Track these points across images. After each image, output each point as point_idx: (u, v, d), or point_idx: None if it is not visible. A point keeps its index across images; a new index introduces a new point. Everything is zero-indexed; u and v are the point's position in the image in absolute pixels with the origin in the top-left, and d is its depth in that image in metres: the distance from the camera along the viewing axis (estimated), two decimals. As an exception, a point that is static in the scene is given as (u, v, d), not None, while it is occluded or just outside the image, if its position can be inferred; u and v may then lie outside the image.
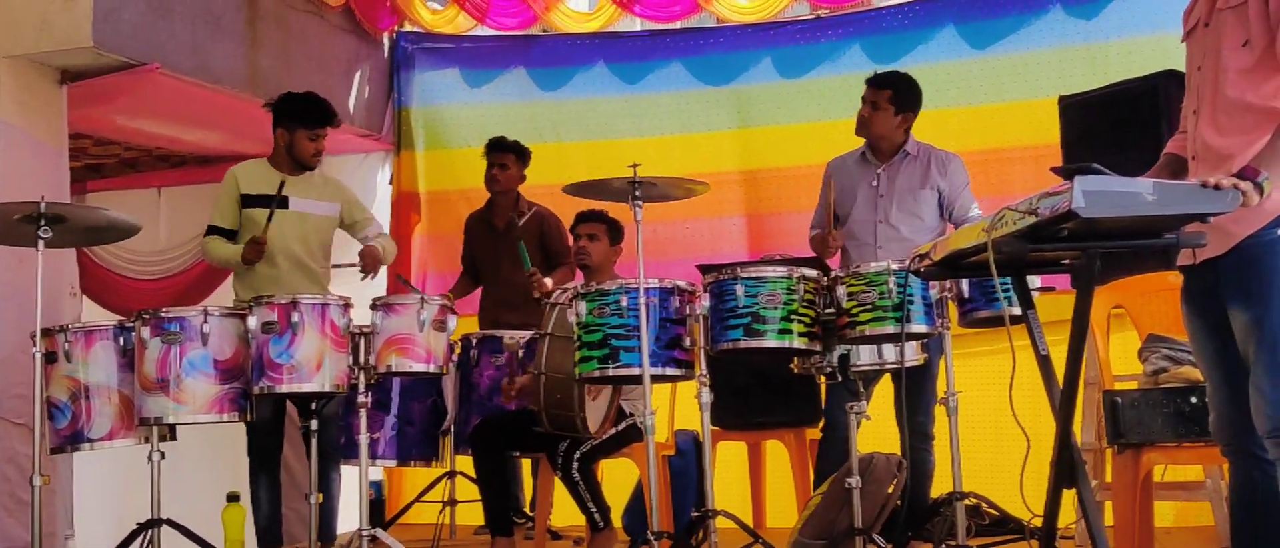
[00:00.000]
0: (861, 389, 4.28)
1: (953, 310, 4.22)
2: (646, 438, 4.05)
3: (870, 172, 4.91)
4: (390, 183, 7.31)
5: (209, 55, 5.85)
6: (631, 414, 4.93)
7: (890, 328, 3.90)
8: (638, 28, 7.26)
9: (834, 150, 6.28)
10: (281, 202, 4.88)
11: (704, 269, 5.94)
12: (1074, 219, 2.53)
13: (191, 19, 5.74)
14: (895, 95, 4.90)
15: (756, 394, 5.48)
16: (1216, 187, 2.54)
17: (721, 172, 6.73)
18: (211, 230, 5.04)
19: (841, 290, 4.00)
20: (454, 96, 7.23)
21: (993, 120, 6.18)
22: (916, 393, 4.46)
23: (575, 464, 4.70)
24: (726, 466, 5.85)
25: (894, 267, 3.93)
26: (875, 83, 4.94)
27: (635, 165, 4.10)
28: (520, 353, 5.20)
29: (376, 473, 6.67)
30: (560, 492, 4.85)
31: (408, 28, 7.35)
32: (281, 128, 5.04)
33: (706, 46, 6.87)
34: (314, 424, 4.38)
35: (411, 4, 7.23)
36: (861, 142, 5.05)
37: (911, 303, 3.93)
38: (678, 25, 7.18)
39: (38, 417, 4.14)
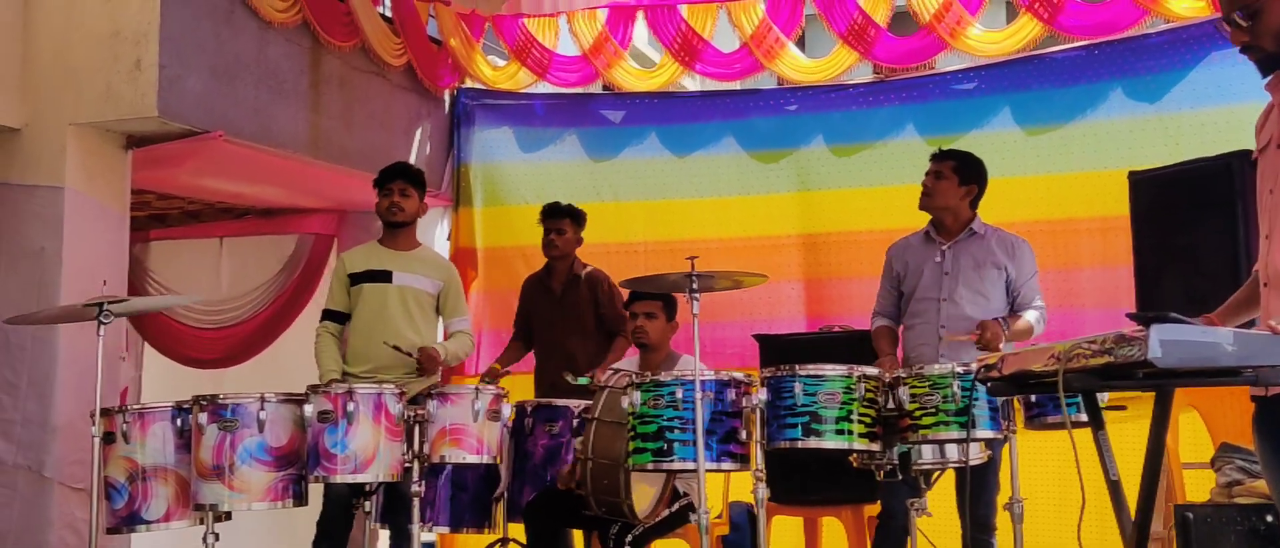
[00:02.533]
0: (923, 485, 4.19)
1: (1018, 411, 4.12)
2: (702, 539, 3.98)
3: (935, 249, 4.82)
4: (448, 238, 7.33)
5: (272, 119, 5.89)
6: (686, 494, 4.88)
7: (954, 432, 3.81)
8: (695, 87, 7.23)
9: (895, 215, 6.24)
10: (384, 275, 5.05)
11: (760, 340, 5.94)
12: (1149, 368, 2.45)
13: (255, 84, 5.79)
14: (959, 166, 4.82)
15: (814, 470, 5.39)
16: (1297, 335, 2.45)
17: (780, 235, 6.68)
18: (326, 315, 5.18)
19: (904, 392, 3.91)
20: (512, 154, 7.24)
21: (1059, 190, 6.06)
22: (979, 485, 4.37)
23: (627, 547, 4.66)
24: (781, 541, 5.76)
25: (959, 370, 3.84)
26: (937, 156, 4.88)
27: (693, 258, 4.05)
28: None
29: (429, 536, 6.66)
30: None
31: (469, 84, 7.37)
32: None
33: (760, 111, 6.83)
34: (366, 505, 4.39)
35: (473, 61, 7.25)
36: (925, 218, 4.95)
37: (976, 406, 3.83)
38: (736, 85, 7.14)
39: (95, 498, 4.17)
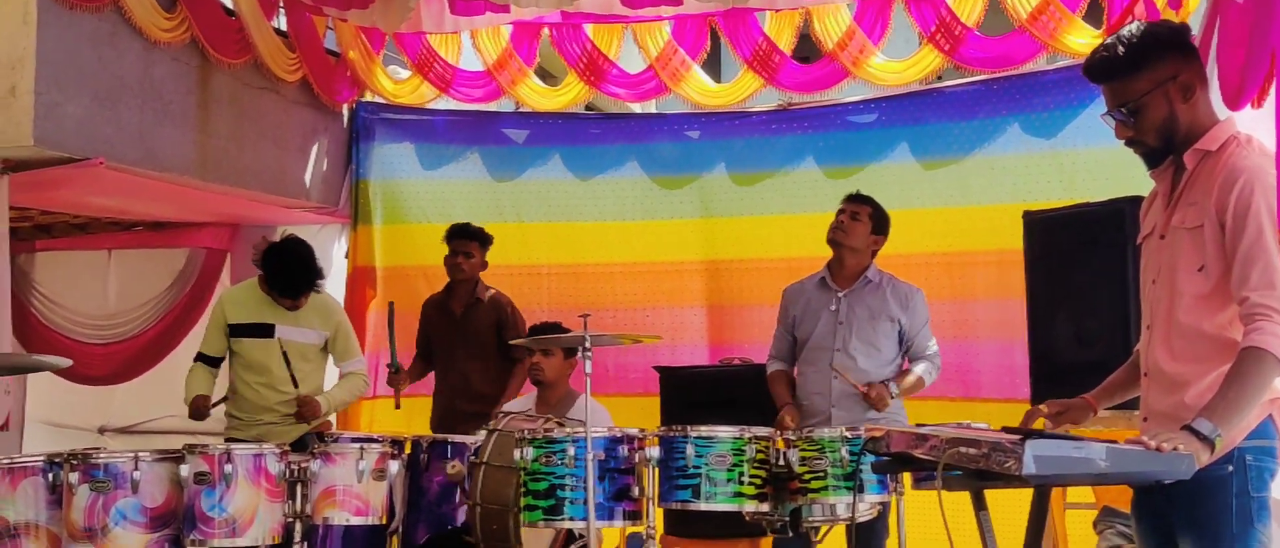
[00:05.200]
0: (813, 540, 4.20)
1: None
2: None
3: (830, 297, 4.83)
4: (346, 257, 7.16)
5: (157, 142, 5.69)
6: (581, 534, 4.84)
7: (843, 496, 3.82)
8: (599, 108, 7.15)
9: (796, 244, 6.25)
10: (266, 330, 4.95)
11: (662, 372, 5.91)
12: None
13: (139, 107, 5.57)
14: (874, 213, 4.86)
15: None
16: (1172, 449, 2.47)
17: (684, 260, 6.65)
18: (199, 357, 5.11)
19: (794, 454, 3.91)
20: (414, 172, 7.10)
21: (955, 223, 6.12)
22: (868, 538, 4.40)
23: (522, 593, 4.61)
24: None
25: (847, 435, 3.85)
26: (856, 198, 4.91)
27: (586, 315, 4.00)
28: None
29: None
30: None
31: (368, 98, 7.20)
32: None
33: (663, 134, 6.79)
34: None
35: (372, 74, 7.09)
36: (823, 248, 4.93)
37: (864, 470, 3.83)
38: (647, 107, 7.08)
39: (-41, 558, 3.98)
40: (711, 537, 5.47)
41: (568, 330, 5.12)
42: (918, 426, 3.23)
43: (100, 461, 3.92)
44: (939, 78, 6.31)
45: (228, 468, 3.86)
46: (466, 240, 5.98)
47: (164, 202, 6.42)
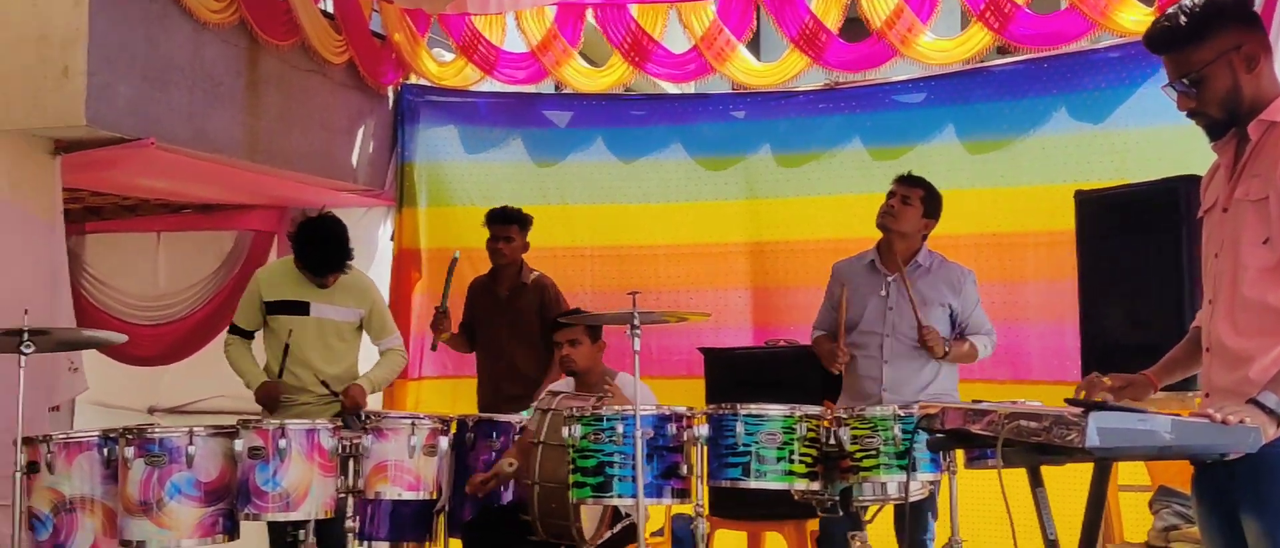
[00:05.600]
0: (863, 520, 4.18)
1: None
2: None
3: (880, 281, 4.76)
4: (391, 239, 7.20)
5: (206, 123, 5.73)
6: (628, 513, 4.85)
7: (895, 475, 3.79)
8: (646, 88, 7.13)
9: (842, 225, 6.21)
10: (301, 307, 4.90)
11: (706, 353, 5.90)
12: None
13: (189, 88, 5.62)
14: (927, 196, 4.77)
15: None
16: (1238, 422, 2.43)
17: (728, 242, 6.63)
18: (232, 329, 5.07)
19: (845, 433, 3.89)
20: (458, 154, 7.12)
21: (1004, 204, 6.05)
22: (918, 517, 4.38)
23: (573, 571, 4.63)
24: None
25: (900, 413, 3.82)
26: (907, 180, 4.81)
27: (634, 293, 3.99)
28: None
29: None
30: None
31: (413, 80, 7.22)
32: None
33: (710, 115, 6.75)
34: (301, 534, 4.31)
35: (417, 56, 7.11)
36: (871, 227, 4.88)
37: (917, 448, 3.81)
38: (686, 88, 7.05)
39: (16, 528, 4.04)
40: (757, 518, 5.47)
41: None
42: (974, 401, 3.19)
43: (155, 436, 3.97)
44: (987, 57, 6.24)
45: (282, 443, 3.90)
46: (505, 224, 5.97)
47: (211, 183, 6.48)
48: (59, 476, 4.10)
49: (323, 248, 4.95)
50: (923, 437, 3.85)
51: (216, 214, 7.35)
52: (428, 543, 5.40)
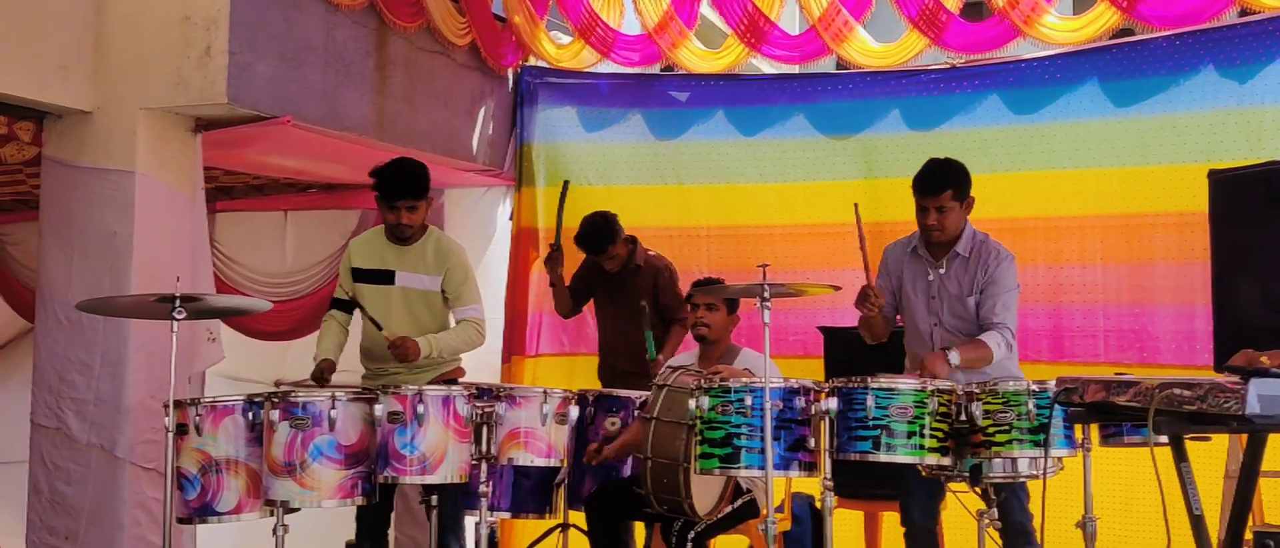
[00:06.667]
0: (993, 497, 4.16)
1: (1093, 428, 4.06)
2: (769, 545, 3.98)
3: (924, 269, 4.71)
4: (510, 218, 7.32)
5: (339, 102, 5.90)
6: (748, 490, 4.89)
7: (1028, 450, 3.76)
8: (764, 71, 7.11)
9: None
10: (386, 276, 4.90)
11: (826, 332, 5.89)
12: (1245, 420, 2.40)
13: (322, 68, 5.79)
14: (956, 192, 4.60)
15: (874, 464, 5.35)
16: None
17: (846, 222, 6.56)
18: (334, 303, 5.14)
19: (977, 407, 3.86)
20: (576, 134, 7.19)
21: (1135, 184, 5.91)
22: (1014, 493, 4.32)
23: (689, 545, 4.68)
24: (842, 536, 5.73)
25: (1035, 388, 3.79)
26: (931, 190, 4.57)
27: (764, 265, 4.01)
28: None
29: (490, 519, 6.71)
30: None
31: (532, 62, 7.33)
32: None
33: (831, 94, 6.70)
34: (433, 499, 4.43)
35: (536, 38, 7.20)
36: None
37: (1052, 425, 3.77)
38: (800, 69, 7.02)
39: (169, 490, 4.22)
40: (877, 499, 5.45)
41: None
42: (1118, 374, 3.15)
43: (299, 400, 4.11)
44: (1116, 34, 6.10)
45: (420, 408, 4.01)
46: (598, 249, 6.03)
47: (340, 161, 6.65)
48: (206, 438, 4.27)
49: (397, 170, 4.91)
50: (1058, 410, 3.82)
51: (341, 193, 7.55)
52: (547, 514, 5.52)
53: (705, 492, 4.60)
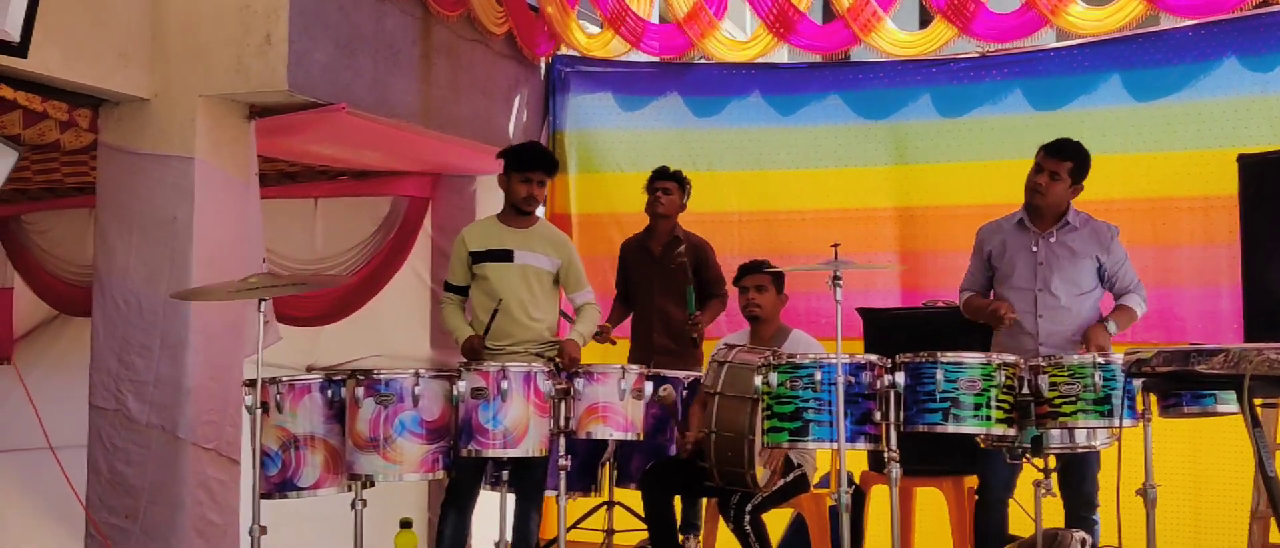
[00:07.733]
0: (1048, 468, 4.33)
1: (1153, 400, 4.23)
2: (842, 516, 4.14)
3: (1030, 237, 4.86)
4: (542, 205, 7.42)
5: (388, 90, 6.01)
6: (799, 464, 5.05)
7: (1094, 420, 3.93)
8: (790, 59, 7.25)
9: (992, 191, 6.30)
10: (505, 255, 5.07)
11: (864, 314, 6.05)
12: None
13: (373, 56, 5.90)
14: (1076, 168, 4.81)
15: (911, 440, 5.51)
16: None
17: (875, 207, 6.76)
18: (446, 287, 5.24)
19: (1043, 379, 4.04)
20: (607, 121, 7.32)
21: (1160, 169, 6.09)
22: (1086, 466, 4.51)
23: (747, 518, 4.85)
24: (879, 512, 5.90)
25: (1099, 361, 3.96)
26: (1055, 153, 4.82)
27: (836, 244, 4.17)
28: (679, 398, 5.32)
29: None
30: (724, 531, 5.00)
31: (564, 51, 7.45)
32: (502, 174, 5.19)
33: (864, 81, 6.86)
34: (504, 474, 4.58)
35: (567, 27, 7.32)
36: (1019, 198, 4.98)
37: (1115, 396, 3.95)
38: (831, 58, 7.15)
39: (254, 466, 4.34)
40: (914, 474, 5.56)
41: (776, 269, 5.32)
42: (1193, 344, 3.32)
43: (383, 376, 4.24)
44: (1143, 24, 6.28)
45: (504, 384, 4.14)
46: (666, 180, 6.18)
47: (378, 149, 6.76)
48: (287, 415, 4.40)
49: (533, 146, 5.29)
50: (1121, 385, 4.00)
51: (371, 180, 7.64)
52: (593, 492, 5.67)
53: (763, 465, 4.77)
